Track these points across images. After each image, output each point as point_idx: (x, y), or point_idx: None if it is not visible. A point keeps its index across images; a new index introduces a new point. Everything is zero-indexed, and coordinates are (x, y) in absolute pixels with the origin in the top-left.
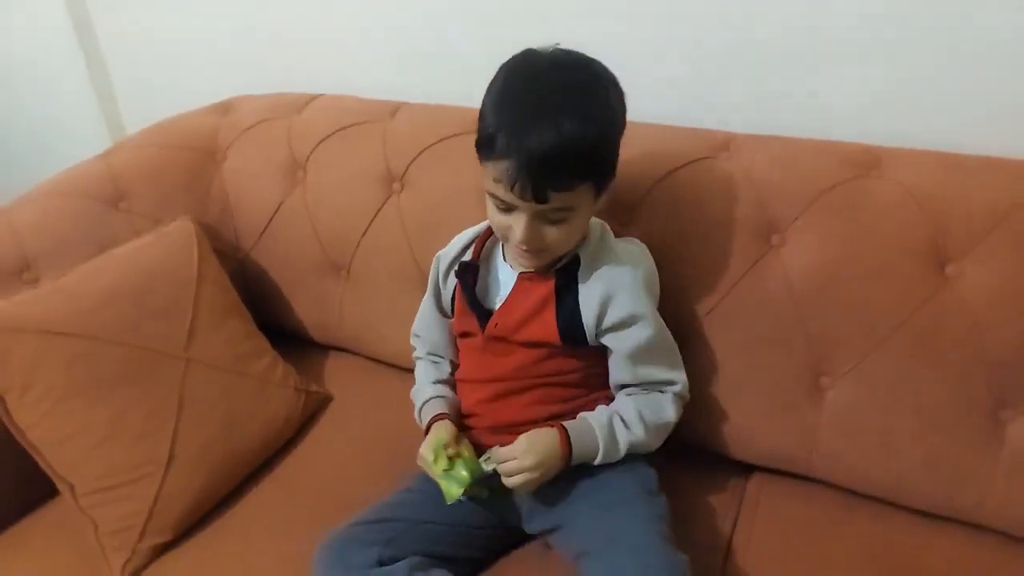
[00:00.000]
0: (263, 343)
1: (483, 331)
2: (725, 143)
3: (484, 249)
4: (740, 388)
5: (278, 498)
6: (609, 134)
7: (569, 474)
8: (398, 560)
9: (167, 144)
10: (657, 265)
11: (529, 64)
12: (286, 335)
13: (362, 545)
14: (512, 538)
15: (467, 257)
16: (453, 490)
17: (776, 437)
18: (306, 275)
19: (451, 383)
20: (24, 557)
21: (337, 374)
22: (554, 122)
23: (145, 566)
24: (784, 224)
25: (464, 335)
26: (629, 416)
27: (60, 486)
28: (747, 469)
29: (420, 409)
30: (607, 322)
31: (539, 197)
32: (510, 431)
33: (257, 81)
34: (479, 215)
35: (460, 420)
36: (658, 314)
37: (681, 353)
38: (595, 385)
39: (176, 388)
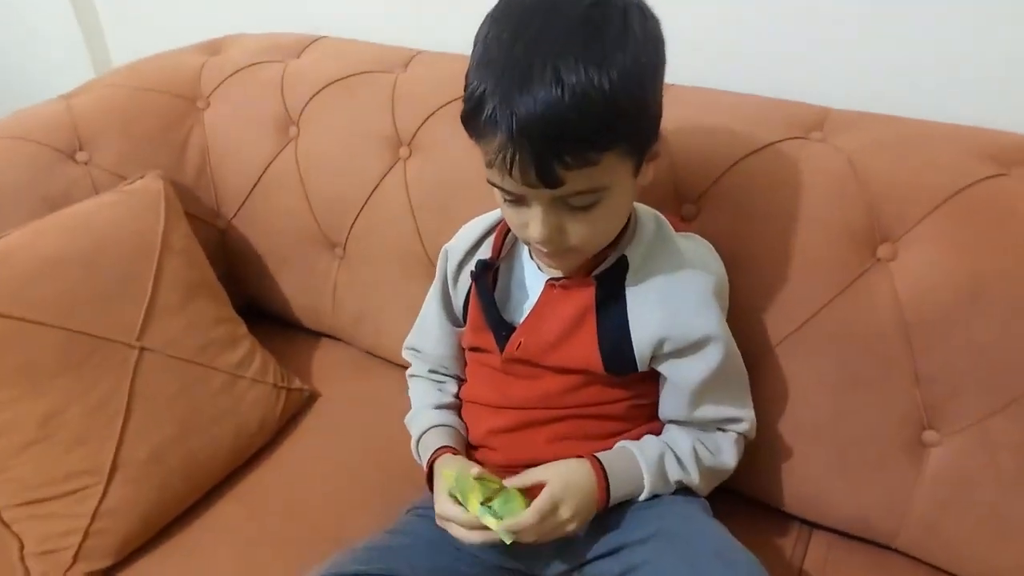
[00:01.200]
0: (238, 329)
1: (501, 351)
2: (819, 120)
3: (505, 243)
4: (817, 435)
5: (243, 520)
6: (637, 77)
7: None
8: None
9: (142, 86)
10: (727, 273)
11: (517, 5)
12: (270, 319)
13: None
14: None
15: (485, 254)
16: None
17: (857, 498)
18: (295, 251)
19: (457, 407)
20: None
21: (326, 368)
22: (552, 72)
23: None
24: (898, 231)
25: (476, 350)
26: (683, 451)
27: None
28: (808, 527)
29: (418, 442)
30: (668, 347)
31: (549, 179)
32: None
33: (261, 17)
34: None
35: (467, 453)
36: (730, 334)
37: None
38: (640, 417)
39: (124, 383)
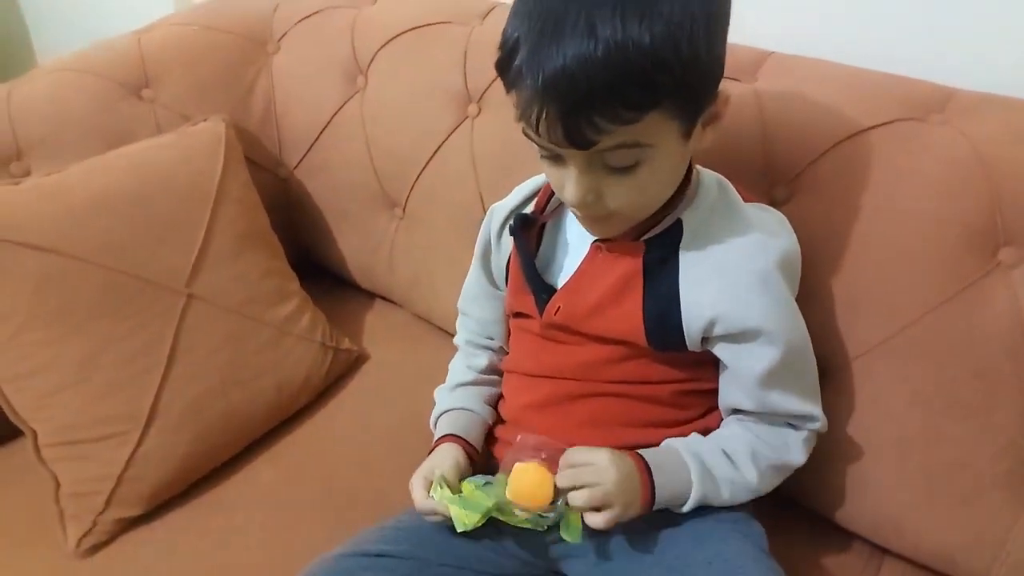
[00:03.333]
0: (290, 284)
1: (540, 315)
2: (942, 101)
3: (551, 200)
4: (902, 455)
5: (278, 480)
6: (686, 30)
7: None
8: None
9: (213, 25)
10: (816, 266)
11: None
12: (325, 275)
13: None
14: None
15: (527, 209)
16: (465, 516)
17: (942, 531)
18: (355, 207)
19: (482, 382)
20: None
21: (378, 330)
22: (586, 23)
23: (106, 543)
24: None
25: (518, 315)
26: (738, 450)
27: (22, 428)
28: (880, 552)
29: (436, 420)
30: (720, 328)
31: (577, 139)
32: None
33: None
34: None
35: (484, 446)
36: (800, 315)
37: (829, 396)
38: (690, 406)
39: (170, 329)
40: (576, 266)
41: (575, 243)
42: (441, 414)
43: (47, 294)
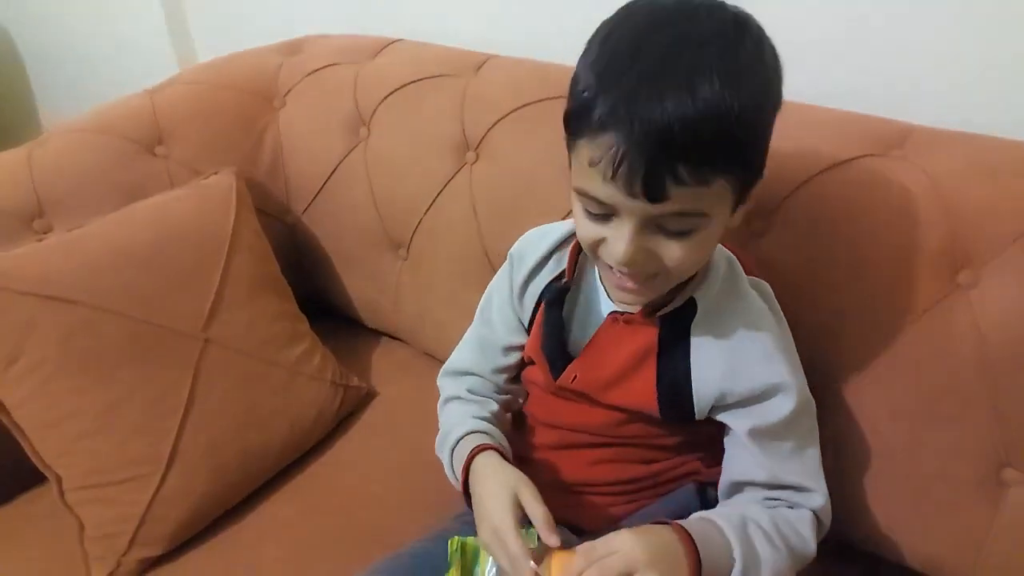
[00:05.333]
0: (300, 326)
1: (555, 379)
2: (901, 137)
3: (578, 264)
4: (887, 466)
5: (294, 516)
6: (762, 106)
7: None
8: None
9: (221, 83)
10: (794, 293)
11: (646, 9)
12: (333, 315)
13: None
14: None
15: (553, 272)
16: None
17: (929, 536)
18: (361, 250)
19: (497, 422)
20: (2, 548)
21: (384, 367)
22: (685, 82)
23: None
24: (981, 257)
25: (532, 363)
26: (766, 526)
27: (47, 475)
28: (875, 562)
29: (452, 450)
30: (731, 398)
31: (655, 191)
32: (570, 491)
33: (343, 16)
34: (566, 202)
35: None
36: (808, 393)
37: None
38: (688, 448)
39: (188, 373)
40: (590, 335)
41: (594, 311)
42: (466, 435)
43: (73, 344)
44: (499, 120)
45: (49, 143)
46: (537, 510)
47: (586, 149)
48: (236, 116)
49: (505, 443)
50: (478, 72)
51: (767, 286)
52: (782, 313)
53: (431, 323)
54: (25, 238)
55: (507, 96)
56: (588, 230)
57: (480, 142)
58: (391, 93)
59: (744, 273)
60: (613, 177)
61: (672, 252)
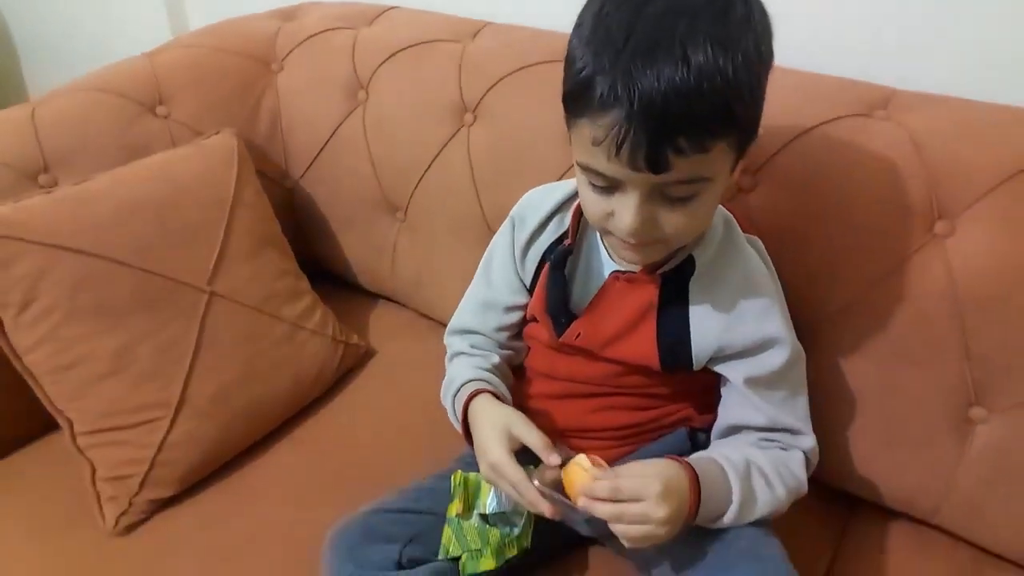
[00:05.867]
0: (302, 283)
1: (559, 336)
2: (884, 99)
3: (580, 225)
4: (864, 408)
5: (298, 462)
6: (756, 69)
7: None
8: (420, 563)
9: (220, 47)
10: (781, 246)
11: None
12: (331, 278)
13: (380, 540)
14: (565, 537)
15: (555, 233)
16: (483, 560)
17: (900, 473)
18: (359, 213)
19: (499, 374)
20: (14, 495)
21: (383, 327)
22: (679, 52)
23: (142, 522)
24: (956, 208)
25: (535, 321)
26: (767, 469)
27: (58, 420)
28: (850, 501)
29: (454, 397)
30: (729, 351)
31: (658, 163)
32: (569, 436)
33: None
34: (565, 161)
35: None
36: (799, 346)
37: None
38: (682, 396)
39: (194, 324)
40: (593, 293)
41: (596, 271)
42: (466, 383)
43: (82, 293)
44: (496, 83)
45: (51, 102)
46: (531, 436)
47: (587, 128)
48: (234, 80)
49: (504, 389)
50: (475, 38)
51: (759, 242)
52: (774, 268)
53: (428, 284)
54: (31, 192)
55: (504, 60)
56: (595, 204)
57: (478, 104)
58: (389, 57)
59: (741, 232)
60: (617, 155)
61: (677, 219)
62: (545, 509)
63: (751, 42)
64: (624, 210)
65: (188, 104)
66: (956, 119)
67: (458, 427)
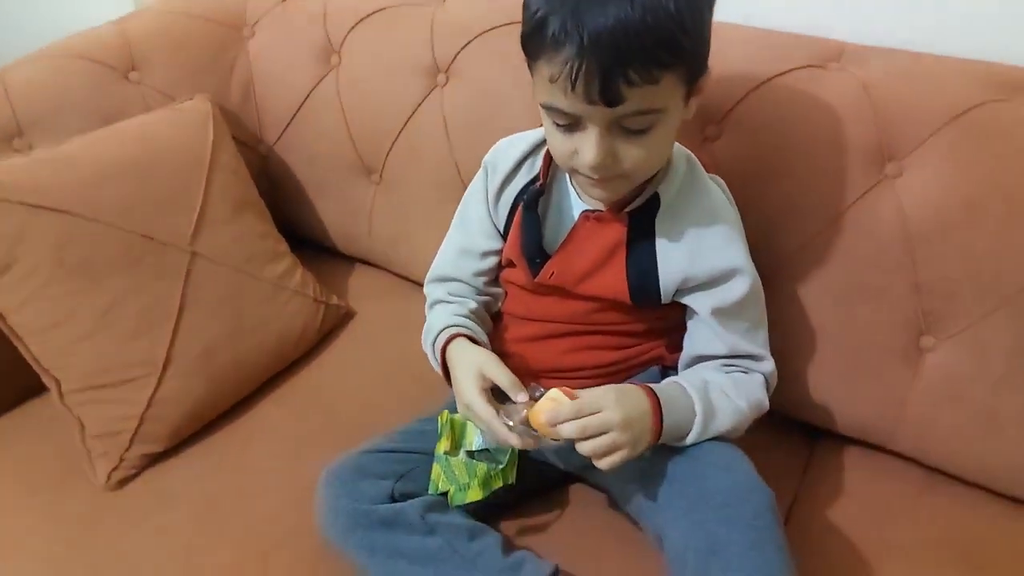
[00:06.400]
0: (281, 246)
1: (534, 277)
2: (836, 52)
3: (551, 168)
4: (822, 341)
5: (285, 416)
6: (698, 4)
7: None
8: (411, 497)
9: (191, 13)
10: (744, 190)
11: None
12: (308, 242)
13: (373, 476)
14: (547, 474)
15: (527, 177)
16: (470, 491)
17: (857, 402)
18: (334, 177)
19: (474, 317)
20: (6, 455)
21: (361, 289)
22: None
23: (133, 477)
24: (904, 150)
25: (511, 265)
26: (727, 387)
27: (45, 380)
28: (812, 433)
29: (433, 343)
30: (693, 283)
31: (611, 95)
32: (548, 376)
33: None
34: (536, 118)
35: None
36: (757, 274)
37: None
38: (655, 334)
39: (178, 283)
40: (565, 233)
41: (567, 211)
42: (444, 329)
43: (66, 252)
44: (467, 43)
45: (20, 68)
46: (500, 376)
47: (545, 67)
48: (206, 46)
49: (481, 333)
50: (444, 2)
51: (722, 181)
52: (735, 204)
53: (406, 245)
54: (6, 156)
55: (473, 21)
56: (560, 143)
57: (450, 65)
58: (360, 21)
59: (703, 170)
60: (573, 89)
61: (636, 151)
62: (514, 441)
63: None
64: (586, 146)
65: (161, 70)
66: (903, 69)
67: (438, 370)
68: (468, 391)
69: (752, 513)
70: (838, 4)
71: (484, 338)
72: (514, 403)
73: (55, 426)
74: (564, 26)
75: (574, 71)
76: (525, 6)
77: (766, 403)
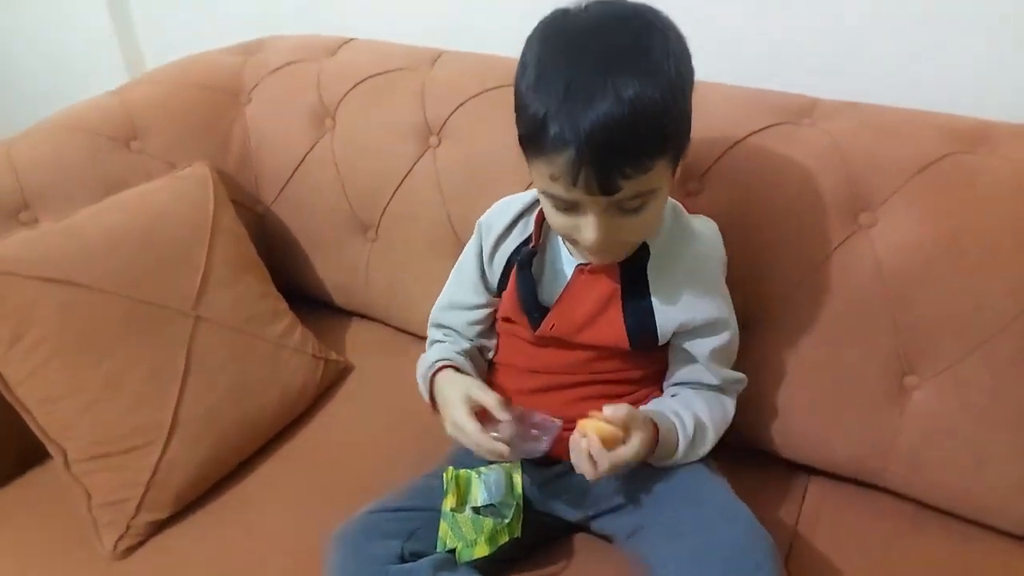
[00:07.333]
0: (280, 304)
1: (535, 329)
2: (808, 108)
3: (543, 228)
4: (811, 384)
5: (290, 475)
6: (680, 89)
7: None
8: (421, 556)
9: (188, 82)
10: (727, 242)
11: (566, 26)
12: (306, 298)
13: (382, 537)
14: (552, 525)
15: (521, 236)
16: (477, 547)
17: (848, 441)
18: (330, 234)
19: (468, 355)
20: (10, 527)
21: (359, 343)
22: (613, 89)
23: (140, 544)
24: (876, 201)
25: (508, 320)
26: (706, 422)
27: (51, 449)
28: (806, 472)
29: (425, 374)
30: (689, 327)
31: (610, 188)
32: None
33: (290, 22)
34: (525, 176)
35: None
36: (733, 310)
37: (747, 341)
38: (651, 380)
39: (182, 348)
40: (563, 287)
41: (562, 267)
42: (436, 361)
43: (73, 323)
44: (459, 106)
45: (23, 141)
46: (485, 397)
47: (544, 166)
48: (204, 113)
49: (469, 366)
50: (434, 65)
51: (712, 222)
52: (723, 246)
53: (402, 298)
54: (13, 229)
55: (464, 85)
56: (560, 221)
57: (442, 127)
58: (354, 86)
59: (688, 214)
60: (574, 185)
61: (633, 225)
62: (502, 449)
63: (672, 69)
64: (587, 227)
65: (161, 138)
66: (871, 123)
67: (426, 398)
68: (456, 411)
69: (754, 565)
70: (807, 60)
71: (473, 372)
72: (500, 422)
73: (58, 495)
74: (563, 131)
75: (574, 171)
76: (520, 107)
77: (731, 419)
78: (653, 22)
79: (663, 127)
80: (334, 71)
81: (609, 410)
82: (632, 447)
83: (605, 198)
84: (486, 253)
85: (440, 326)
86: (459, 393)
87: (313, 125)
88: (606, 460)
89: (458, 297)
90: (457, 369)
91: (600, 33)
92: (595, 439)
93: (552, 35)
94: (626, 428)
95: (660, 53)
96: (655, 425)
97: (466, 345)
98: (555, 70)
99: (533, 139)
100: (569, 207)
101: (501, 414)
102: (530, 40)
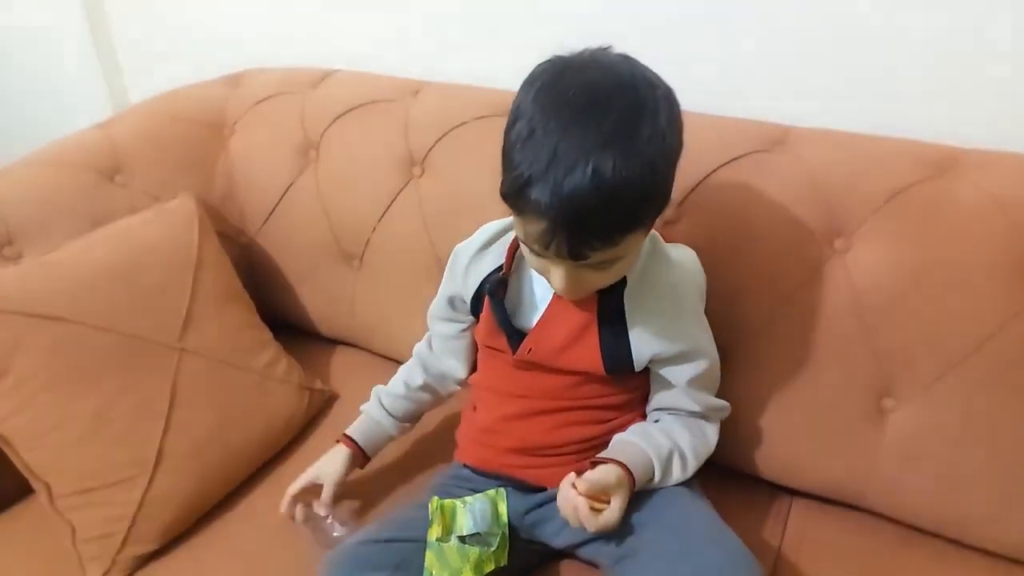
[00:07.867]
0: (265, 335)
1: (514, 353)
2: (781, 136)
3: (516, 256)
4: (790, 408)
5: (275, 506)
6: (663, 170)
7: None
8: None
9: (172, 116)
10: (705, 269)
11: (562, 87)
12: (291, 327)
13: (369, 568)
14: (538, 552)
15: (494, 259)
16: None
17: (827, 463)
18: (315, 264)
19: (417, 399)
20: None
21: (344, 371)
22: (593, 167)
23: None
24: (850, 227)
25: (489, 347)
26: (688, 448)
27: (35, 485)
28: (789, 495)
29: (368, 405)
30: (664, 355)
31: (578, 256)
32: (535, 454)
33: (270, 55)
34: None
35: (368, 457)
36: (712, 338)
37: (727, 367)
38: (633, 406)
39: (168, 381)
40: (541, 312)
41: (539, 292)
42: (363, 411)
43: (58, 358)
44: (441, 137)
45: (7, 176)
46: (326, 492)
47: (522, 224)
48: (188, 146)
49: (389, 425)
50: (416, 96)
51: (691, 252)
52: (702, 273)
53: (386, 326)
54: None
55: (446, 116)
56: (534, 260)
57: (425, 157)
58: (337, 118)
59: (664, 243)
60: (546, 249)
61: (602, 278)
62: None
63: (659, 147)
64: (555, 277)
65: (145, 171)
66: (843, 150)
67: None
68: (304, 476)
69: None
70: (779, 89)
71: (394, 427)
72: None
73: (42, 530)
74: (539, 201)
75: (546, 238)
76: (509, 163)
77: (714, 445)
78: (646, 98)
79: (636, 210)
80: (317, 103)
81: (594, 476)
82: (614, 512)
83: (573, 262)
84: (459, 275)
85: (431, 330)
86: (315, 472)
87: (297, 156)
88: (593, 526)
89: (435, 312)
90: (349, 446)
91: (593, 107)
92: (584, 505)
93: (549, 91)
94: (607, 494)
95: (648, 133)
96: (631, 477)
97: (420, 381)
98: (545, 133)
99: (513, 198)
100: (543, 255)
101: (321, 509)
102: (526, 87)
